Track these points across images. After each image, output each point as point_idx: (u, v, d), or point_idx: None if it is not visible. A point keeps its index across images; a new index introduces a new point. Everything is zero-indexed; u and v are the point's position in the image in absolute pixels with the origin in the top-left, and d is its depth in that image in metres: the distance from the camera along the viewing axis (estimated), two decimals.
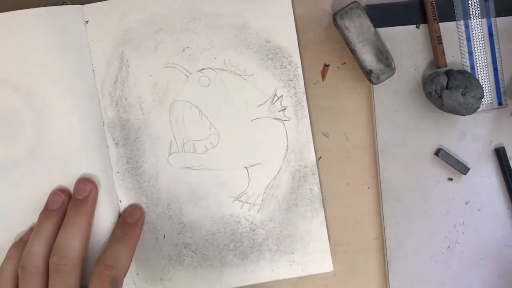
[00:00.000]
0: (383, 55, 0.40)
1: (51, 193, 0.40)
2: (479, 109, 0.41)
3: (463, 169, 0.42)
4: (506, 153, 0.42)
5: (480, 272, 0.42)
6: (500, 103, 0.42)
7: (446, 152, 0.42)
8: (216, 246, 0.43)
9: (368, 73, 0.40)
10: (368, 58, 0.40)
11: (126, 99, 0.43)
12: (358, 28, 0.40)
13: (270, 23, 0.42)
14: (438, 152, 0.42)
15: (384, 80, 0.40)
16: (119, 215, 0.42)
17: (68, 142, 0.41)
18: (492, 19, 0.42)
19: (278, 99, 0.42)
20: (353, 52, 0.41)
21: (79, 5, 0.42)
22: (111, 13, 0.42)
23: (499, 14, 0.42)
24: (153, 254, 0.43)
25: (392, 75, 0.40)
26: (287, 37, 0.42)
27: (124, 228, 0.40)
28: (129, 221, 0.41)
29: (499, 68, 0.42)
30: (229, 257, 0.43)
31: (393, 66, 0.40)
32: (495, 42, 0.42)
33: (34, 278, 0.37)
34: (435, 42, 0.41)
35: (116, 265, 0.38)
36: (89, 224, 0.39)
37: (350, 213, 0.43)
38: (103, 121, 0.42)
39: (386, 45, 0.41)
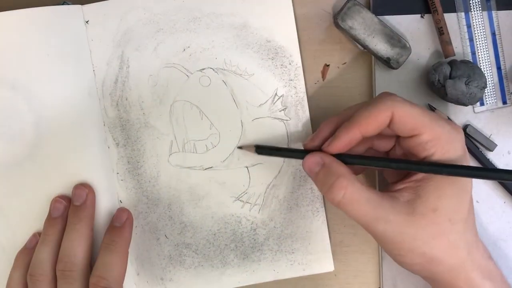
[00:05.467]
0: (395, 39, 0.39)
1: (52, 200, 0.39)
2: (483, 109, 0.40)
3: (491, 145, 0.40)
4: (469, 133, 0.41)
5: None
6: (504, 102, 0.41)
7: (474, 128, 0.40)
8: (217, 246, 0.41)
9: (387, 61, 0.39)
10: (382, 47, 0.39)
11: (126, 99, 0.41)
12: (362, 23, 0.39)
13: (271, 22, 0.41)
14: (465, 128, 0.40)
15: (404, 62, 0.39)
16: None
17: (68, 142, 0.40)
18: (493, 12, 0.41)
19: (278, 98, 0.41)
20: (365, 47, 0.39)
21: (80, 5, 0.41)
22: (112, 13, 0.41)
23: (500, 7, 0.41)
24: (154, 254, 0.41)
25: (410, 54, 0.39)
26: (287, 37, 0.41)
27: (112, 234, 0.39)
28: (116, 224, 0.39)
29: (502, 67, 0.41)
30: (230, 257, 0.41)
31: (408, 46, 0.39)
32: (498, 39, 0.41)
33: (42, 285, 0.36)
34: (439, 33, 0.40)
35: (109, 275, 0.36)
36: (90, 228, 0.38)
37: None
38: (103, 121, 0.41)
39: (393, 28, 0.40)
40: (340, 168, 0.33)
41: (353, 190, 0.32)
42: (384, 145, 0.37)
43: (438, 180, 0.32)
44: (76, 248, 0.37)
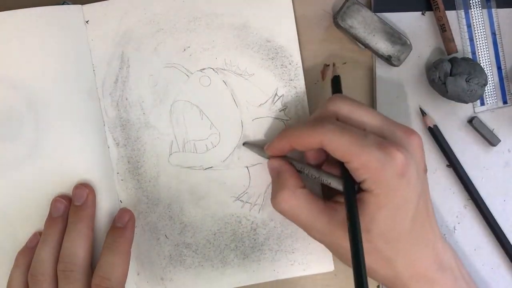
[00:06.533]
0: (395, 36, 0.39)
1: (53, 200, 0.39)
2: (483, 109, 0.40)
3: (494, 140, 0.40)
4: (439, 130, 0.40)
5: (474, 263, 0.41)
6: (505, 102, 0.41)
7: (480, 121, 0.40)
8: (217, 246, 0.41)
9: (388, 59, 0.39)
10: (383, 45, 0.39)
11: (126, 99, 0.41)
12: (362, 22, 0.39)
13: (271, 23, 0.41)
14: (472, 119, 0.40)
15: (405, 59, 0.39)
16: None
17: (68, 142, 0.39)
18: (493, 10, 0.40)
19: (278, 98, 0.41)
20: (366, 45, 0.39)
21: (80, 5, 0.41)
22: (112, 13, 0.41)
23: (500, 5, 0.40)
24: (154, 254, 0.41)
25: (411, 50, 0.39)
26: (287, 37, 0.41)
27: (114, 234, 0.39)
28: (119, 225, 0.39)
29: (502, 67, 0.41)
30: (230, 257, 0.41)
31: (409, 43, 0.39)
32: (498, 39, 0.41)
33: (44, 285, 0.36)
34: (441, 30, 0.40)
35: (111, 276, 0.36)
36: (91, 228, 0.38)
37: None
38: (103, 121, 0.41)
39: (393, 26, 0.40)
40: (288, 179, 0.36)
41: (293, 204, 0.35)
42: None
43: (373, 201, 0.32)
44: (77, 248, 0.37)
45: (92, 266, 0.38)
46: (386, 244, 0.33)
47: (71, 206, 0.38)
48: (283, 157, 0.38)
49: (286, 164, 0.37)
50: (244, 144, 0.40)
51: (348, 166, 0.33)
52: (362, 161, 0.32)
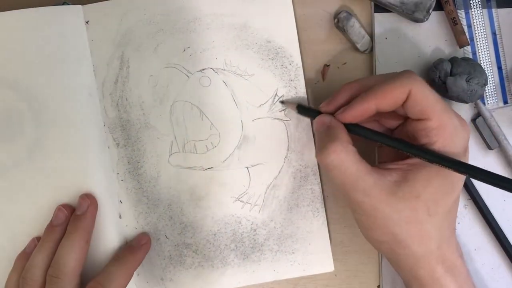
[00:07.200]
0: None
1: (56, 209, 0.39)
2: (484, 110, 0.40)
3: (493, 144, 0.40)
4: None
5: (473, 263, 0.41)
6: (505, 102, 0.40)
7: (485, 123, 0.40)
8: (217, 246, 0.41)
9: (412, 14, 0.38)
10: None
11: (126, 100, 0.41)
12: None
13: (271, 23, 0.41)
14: (476, 117, 0.40)
15: (431, 9, 0.39)
16: (120, 217, 0.41)
17: (68, 143, 0.39)
18: (494, 10, 0.40)
19: (279, 99, 0.41)
20: (388, 6, 0.39)
21: (80, 5, 0.40)
22: (112, 13, 0.41)
23: (500, 5, 0.40)
24: (154, 255, 0.41)
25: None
26: (287, 37, 0.41)
27: (126, 251, 0.39)
28: (134, 245, 0.40)
29: (503, 66, 0.40)
30: (230, 257, 0.41)
31: None
32: (498, 39, 0.41)
33: None
34: (452, 24, 0.40)
35: (109, 285, 0.36)
36: (85, 240, 0.38)
37: (351, 213, 0.42)
38: (103, 122, 0.41)
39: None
40: (340, 133, 0.33)
41: (343, 157, 0.32)
42: (390, 123, 0.36)
43: (430, 170, 0.32)
44: (67, 257, 0.37)
45: (83, 275, 0.38)
46: (429, 216, 0.32)
47: (73, 214, 0.39)
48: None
49: (338, 121, 0.34)
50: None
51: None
52: (442, 121, 0.31)
